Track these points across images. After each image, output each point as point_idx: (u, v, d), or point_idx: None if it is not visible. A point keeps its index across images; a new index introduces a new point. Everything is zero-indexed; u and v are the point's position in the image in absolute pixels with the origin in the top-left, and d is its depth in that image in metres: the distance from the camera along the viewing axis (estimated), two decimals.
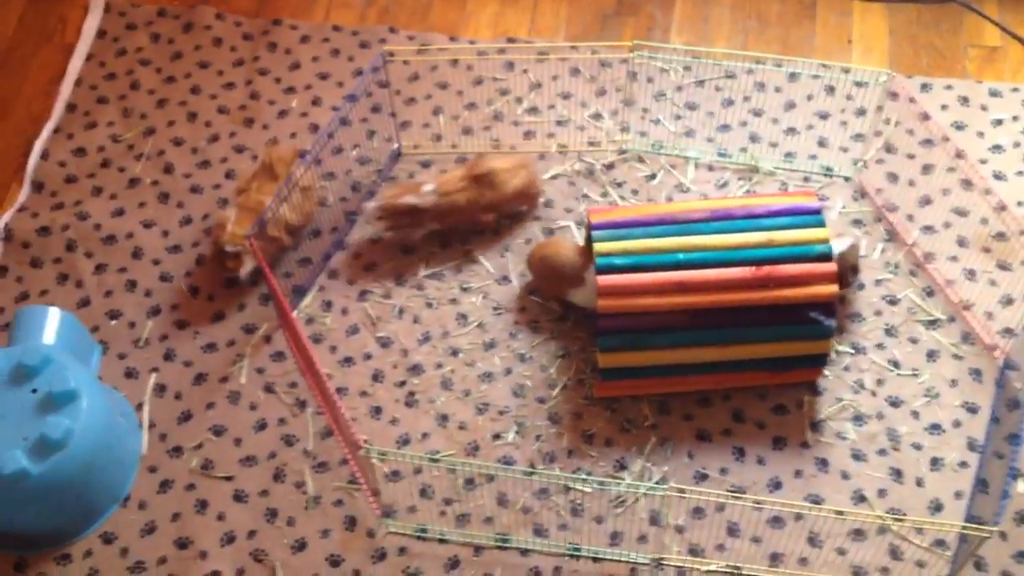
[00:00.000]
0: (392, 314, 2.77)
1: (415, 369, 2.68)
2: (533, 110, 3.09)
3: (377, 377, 2.67)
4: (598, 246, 2.53)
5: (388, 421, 2.61)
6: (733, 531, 2.45)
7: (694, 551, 2.43)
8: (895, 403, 2.60)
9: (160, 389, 2.68)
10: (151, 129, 3.09)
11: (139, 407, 2.65)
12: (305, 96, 3.15)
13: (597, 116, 3.07)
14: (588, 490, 2.50)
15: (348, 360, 2.70)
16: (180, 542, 2.48)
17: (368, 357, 2.70)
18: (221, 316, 2.78)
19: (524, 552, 2.45)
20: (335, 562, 2.44)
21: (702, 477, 2.53)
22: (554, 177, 2.97)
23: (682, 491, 2.34)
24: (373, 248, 2.87)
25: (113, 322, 2.77)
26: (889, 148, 2.96)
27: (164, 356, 2.72)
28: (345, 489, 2.52)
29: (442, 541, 2.46)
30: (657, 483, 2.50)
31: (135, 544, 2.48)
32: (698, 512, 2.47)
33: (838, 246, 2.61)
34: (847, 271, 2.65)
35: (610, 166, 2.99)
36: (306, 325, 2.75)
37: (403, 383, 2.66)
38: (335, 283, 2.82)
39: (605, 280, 2.48)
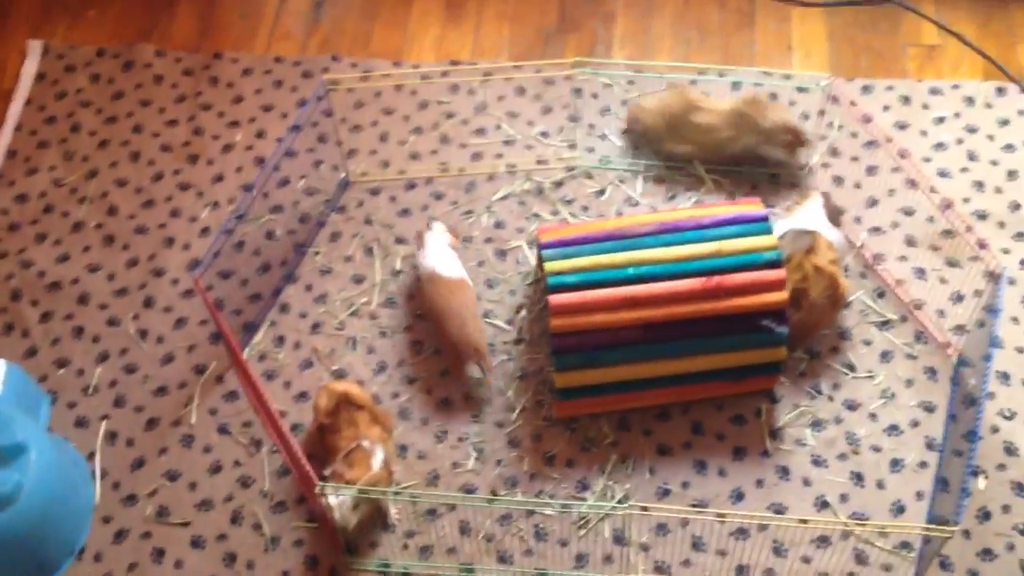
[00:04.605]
0: (346, 346, 2.74)
1: (372, 400, 2.65)
2: (480, 131, 3.08)
3: None
4: (548, 265, 2.52)
5: None
6: (698, 546, 2.44)
7: (660, 568, 2.42)
8: (852, 406, 2.60)
9: (111, 437, 2.64)
10: (94, 171, 3.06)
11: (91, 456, 2.60)
12: (249, 129, 3.12)
13: (544, 134, 3.06)
14: (551, 513, 2.48)
15: (303, 395, 2.67)
16: None
17: None
18: (171, 358, 2.74)
19: None
20: None
21: (665, 492, 2.51)
22: (504, 198, 2.96)
23: (645, 508, 2.33)
24: (324, 279, 2.85)
25: (61, 371, 2.73)
26: (834, 152, 2.97)
27: (114, 402, 2.68)
28: (305, 528, 2.49)
29: (406, 575, 2.43)
30: (620, 501, 2.49)
31: None
32: (662, 528, 2.46)
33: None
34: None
35: (559, 184, 2.98)
36: (258, 362, 2.72)
37: None
38: (286, 317, 2.79)
39: (557, 299, 2.46)
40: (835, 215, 2.72)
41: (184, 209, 2.98)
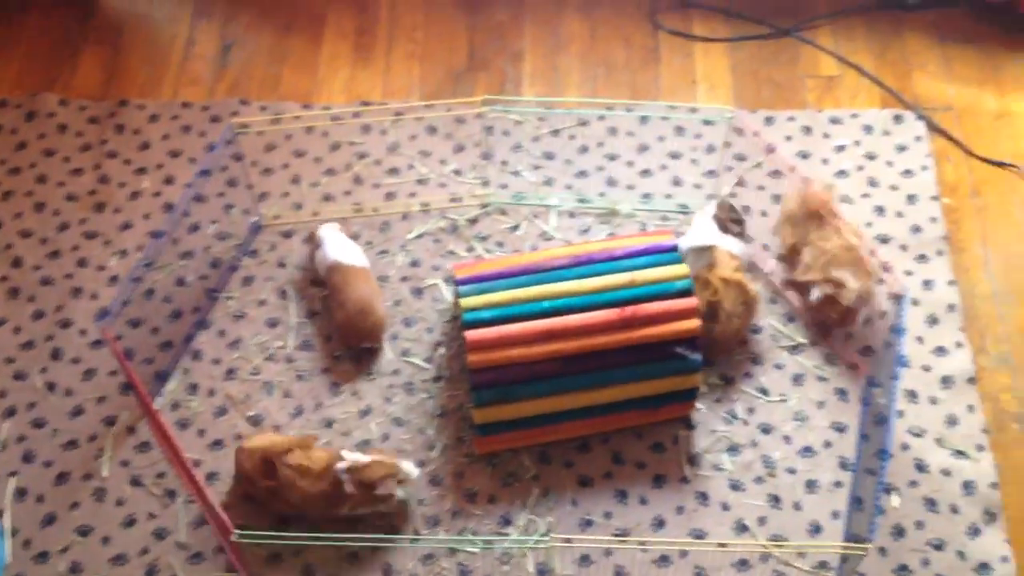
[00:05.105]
0: (262, 391, 2.71)
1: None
2: (393, 171, 3.09)
3: None
4: (464, 301, 2.53)
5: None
6: (622, 575, 2.44)
7: None
8: (767, 430, 2.64)
9: (21, 493, 2.56)
10: None
11: None
12: (157, 175, 3.08)
13: (457, 172, 3.08)
14: (475, 550, 2.47)
15: (217, 443, 2.63)
16: None
17: (239, 438, 2.63)
18: (80, 411, 2.68)
19: None
20: None
21: (587, 523, 2.52)
22: (419, 236, 2.96)
23: (568, 540, 2.34)
24: (237, 324, 2.81)
25: None
26: (740, 182, 3.03)
27: (23, 458, 2.61)
28: None
29: None
30: (543, 535, 2.48)
31: None
32: (586, 560, 2.46)
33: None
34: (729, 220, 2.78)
35: (474, 220, 2.99)
36: (171, 411, 2.67)
37: None
38: (199, 364, 2.75)
39: (473, 335, 2.47)
40: (729, 219, 2.77)
41: (91, 258, 2.92)
